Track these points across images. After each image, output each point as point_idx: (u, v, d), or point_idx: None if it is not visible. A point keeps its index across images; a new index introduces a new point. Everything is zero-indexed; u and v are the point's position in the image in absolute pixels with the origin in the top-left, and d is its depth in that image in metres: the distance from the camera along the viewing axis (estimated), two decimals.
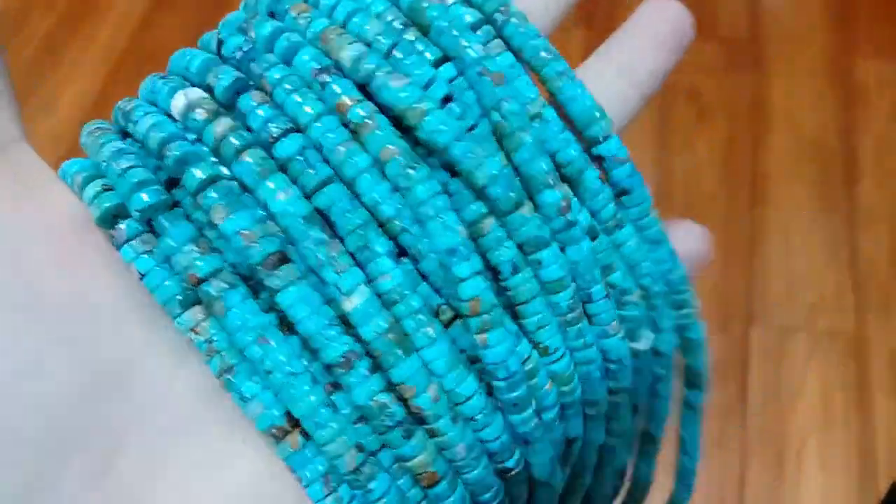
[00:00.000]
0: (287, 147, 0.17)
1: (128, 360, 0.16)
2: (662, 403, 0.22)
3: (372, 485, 0.16)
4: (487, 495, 0.18)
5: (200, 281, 0.16)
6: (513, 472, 0.18)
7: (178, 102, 0.17)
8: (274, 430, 0.16)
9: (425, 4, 0.18)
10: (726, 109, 1.11)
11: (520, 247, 0.17)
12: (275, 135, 0.17)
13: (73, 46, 1.16)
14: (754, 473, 0.84)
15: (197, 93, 0.17)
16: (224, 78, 0.17)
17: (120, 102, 0.18)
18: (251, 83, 0.17)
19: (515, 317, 0.18)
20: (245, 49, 0.18)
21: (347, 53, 0.17)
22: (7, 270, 0.15)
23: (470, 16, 0.19)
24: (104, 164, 0.17)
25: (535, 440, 0.18)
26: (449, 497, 0.17)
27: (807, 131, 1.08)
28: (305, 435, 0.16)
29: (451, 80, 0.18)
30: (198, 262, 0.16)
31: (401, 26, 0.18)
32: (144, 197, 0.16)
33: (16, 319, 0.15)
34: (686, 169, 1.06)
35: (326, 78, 0.17)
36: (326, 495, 0.16)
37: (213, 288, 0.16)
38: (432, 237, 0.17)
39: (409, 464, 0.17)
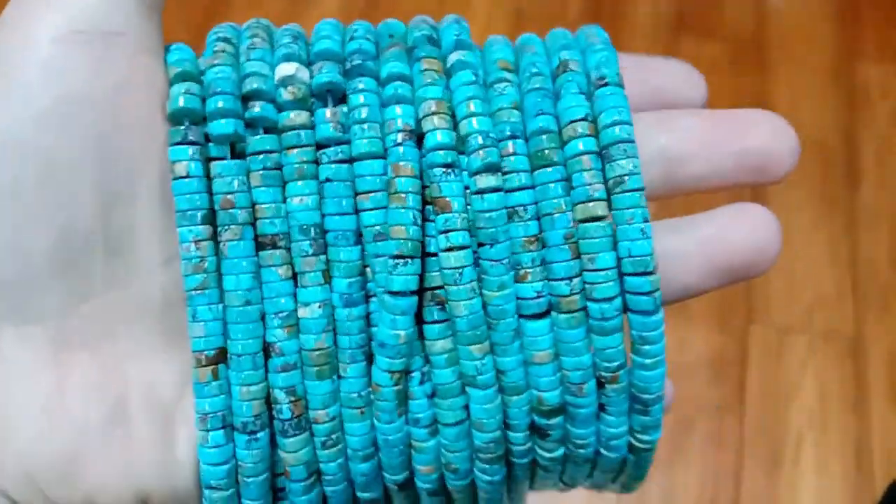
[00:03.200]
0: (329, 171, 0.19)
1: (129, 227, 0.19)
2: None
3: (259, 434, 0.19)
4: None
5: (232, 206, 0.18)
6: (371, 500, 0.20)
7: (283, 71, 0.19)
8: (198, 356, 0.18)
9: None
10: (730, 108, 1.10)
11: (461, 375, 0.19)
12: (327, 158, 0.19)
13: None
14: (750, 472, 0.84)
15: (302, 74, 0.19)
16: (326, 73, 0.19)
17: (255, 28, 0.20)
18: (344, 89, 0.19)
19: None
20: (363, 61, 0.19)
21: (436, 129, 0.19)
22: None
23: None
24: (206, 67, 0.19)
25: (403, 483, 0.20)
26: (300, 496, 0.20)
27: (809, 132, 1.07)
28: (215, 374, 0.19)
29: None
30: (240, 194, 0.18)
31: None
32: (228, 125, 0.19)
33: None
34: None
35: (400, 138, 0.19)
36: (200, 430, 0.19)
37: (235, 220, 0.18)
38: (379, 328, 0.19)
39: (279, 453, 0.19)
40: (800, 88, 1.12)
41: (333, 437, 0.19)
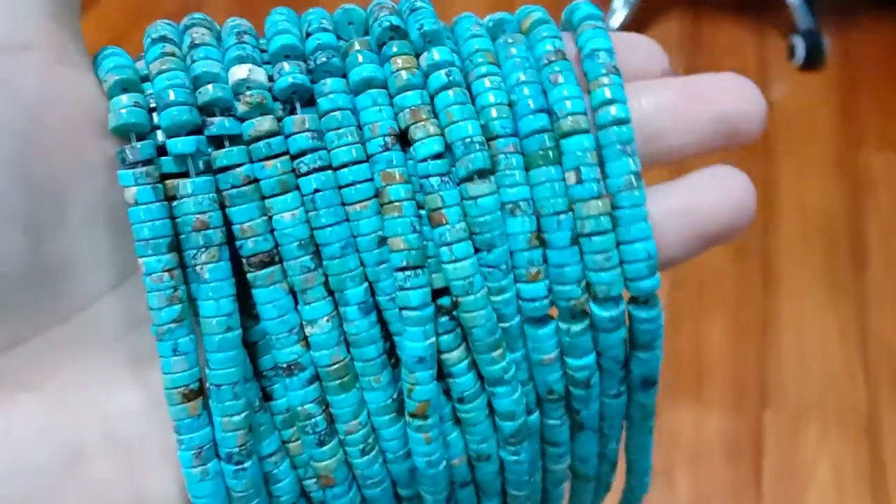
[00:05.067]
0: (317, 181, 0.17)
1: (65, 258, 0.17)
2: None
3: (247, 464, 0.18)
4: None
5: (206, 227, 0.17)
6: (408, 499, 0.20)
7: (238, 74, 0.17)
8: (183, 391, 0.17)
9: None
10: None
11: (481, 378, 0.19)
12: (305, 168, 0.17)
13: None
14: None
15: (258, 76, 0.17)
16: (290, 75, 0.17)
17: (195, 26, 0.18)
18: (311, 92, 0.18)
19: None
20: (328, 59, 0.18)
21: (427, 137, 0.18)
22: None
23: None
24: (153, 73, 0.17)
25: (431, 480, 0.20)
26: (341, 498, 0.19)
27: (815, 217, 1.11)
28: (205, 406, 0.18)
29: None
30: (213, 214, 0.17)
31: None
32: (183, 143, 0.17)
33: None
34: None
35: (386, 144, 0.18)
36: (195, 466, 0.18)
37: (211, 241, 0.17)
38: (405, 341, 0.18)
39: (315, 464, 0.19)
40: (805, 175, 1.15)
41: (370, 441, 0.19)
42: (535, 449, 0.20)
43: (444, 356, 0.18)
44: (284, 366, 0.18)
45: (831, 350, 0.97)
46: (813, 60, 1.30)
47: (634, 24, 1.32)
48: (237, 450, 0.18)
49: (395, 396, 0.19)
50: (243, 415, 0.18)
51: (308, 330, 0.18)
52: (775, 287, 1.03)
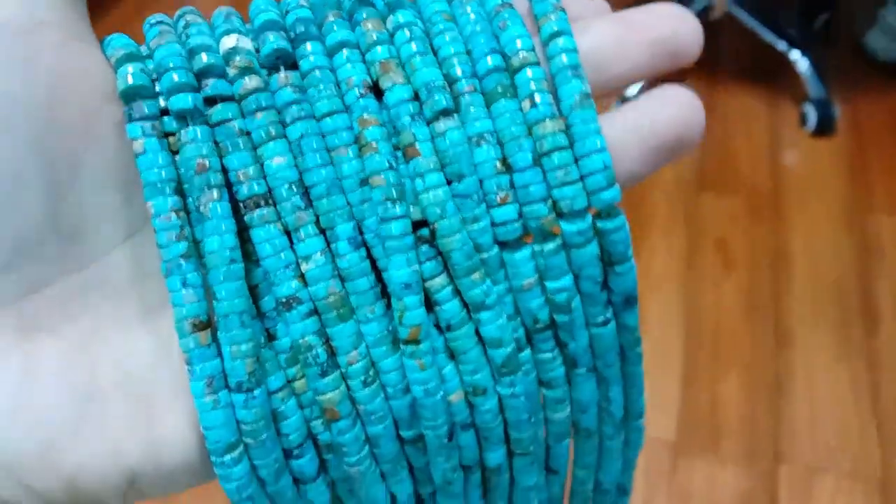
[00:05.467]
0: (301, 128, 0.19)
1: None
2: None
3: (256, 392, 0.18)
4: (388, 448, 0.20)
5: (206, 169, 0.18)
6: (411, 441, 0.20)
7: (228, 43, 0.19)
8: (194, 321, 0.18)
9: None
10: (750, 258, 1.16)
11: (466, 305, 0.20)
12: (290, 118, 0.19)
13: None
14: None
15: (245, 44, 0.19)
16: (273, 41, 0.19)
17: (188, 14, 0.20)
18: (293, 56, 0.20)
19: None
20: (306, 28, 0.20)
21: (395, 84, 0.19)
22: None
23: None
24: (152, 47, 0.19)
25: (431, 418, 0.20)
26: (346, 433, 0.19)
27: (826, 278, 1.12)
28: (214, 337, 0.18)
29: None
30: (212, 158, 0.18)
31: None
32: (188, 100, 0.18)
33: None
34: (713, 312, 1.09)
35: (360, 93, 0.19)
36: (207, 395, 0.18)
37: (213, 182, 0.18)
38: (391, 269, 0.19)
39: (320, 398, 0.19)
40: (815, 238, 1.17)
41: (370, 373, 0.19)
42: (531, 384, 0.21)
43: (428, 283, 0.19)
44: (284, 300, 0.19)
45: (844, 408, 0.98)
46: (824, 127, 1.33)
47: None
48: (246, 377, 0.18)
49: (390, 328, 0.19)
50: (250, 344, 0.18)
51: (304, 267, 0.19)
52: (788, 346, 1.05)
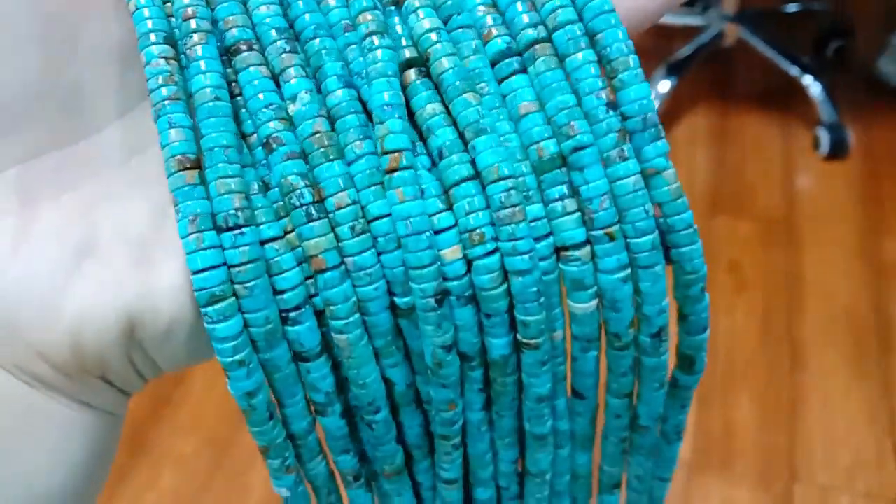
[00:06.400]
0: None
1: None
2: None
3: (245, 230, 0.18)
4: (380, 318, 0.19)
5: (194, 16, 0.19)
6: (404, 310, 0.19)
7: None
8: (181, 158, 0.18)
9: None
10: (764, 281, 1.16)
11: (461, 135, 0.19)
12: None
13: None
14: None
15: None
16: None
17: None
18: None
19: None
20: None
21: None
22: None
23: None
24: None
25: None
26: (333, 288, 0.18)
27: (840, 302, 1.13)
28: (202, 178, 0.18)
29: None
30: (201, 9, 0.19)
31: None
32: None
33: None
34: (727, 335, 1.10)
35: None
36: (191, 233, 0.17)
37: (200, 27, 0.19)
38: (372, 93, 0.19)
39: (305, 244, 0.18)
40: (829, 262, 1.18)
41: (360, 220, 0.18)
42: (541, 243, 0.19)
43: (419, 112, 0.19)
44: (265, 141, 0.18)
45: (859, 431, 0.98)
46: (837, 151, 1.34)
47: (663, 118, 1.36)
48: (233, 212, 0.18)
49: (378, 167, 0.18)
50: (237, 179, 0.18)
51: (291, 108, 0.19)
52: (802, 370, 1.05)
